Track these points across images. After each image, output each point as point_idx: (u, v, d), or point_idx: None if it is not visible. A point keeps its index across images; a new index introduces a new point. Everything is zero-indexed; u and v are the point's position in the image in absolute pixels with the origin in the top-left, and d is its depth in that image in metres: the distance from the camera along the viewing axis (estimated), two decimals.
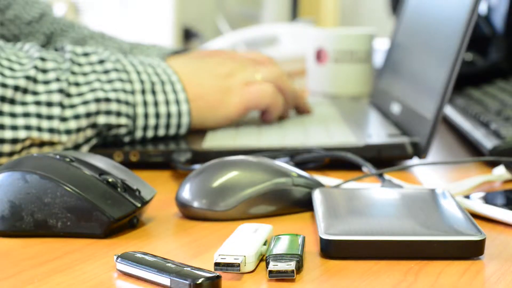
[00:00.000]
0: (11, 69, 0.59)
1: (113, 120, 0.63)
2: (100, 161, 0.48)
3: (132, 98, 0.64)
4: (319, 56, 1.04)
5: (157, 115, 0.66)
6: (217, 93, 0.69)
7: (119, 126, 0.64)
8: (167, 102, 0.67)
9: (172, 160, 0.62)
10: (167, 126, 0.67)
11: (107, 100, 0.62)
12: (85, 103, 0.61)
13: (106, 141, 0.66)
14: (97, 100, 0.61)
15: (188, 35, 1.68)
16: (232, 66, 0.72)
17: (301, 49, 1.27)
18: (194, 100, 0.68)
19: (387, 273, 0.39)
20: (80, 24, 1.09)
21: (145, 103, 0.65)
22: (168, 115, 0.67)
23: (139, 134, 0.66)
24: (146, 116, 0.66)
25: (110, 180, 0.46)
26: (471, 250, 0.41)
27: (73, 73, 0.62)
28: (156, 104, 0.66)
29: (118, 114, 0.63)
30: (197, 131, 0.72)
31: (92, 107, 0.61)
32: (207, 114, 0.69)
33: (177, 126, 0.68)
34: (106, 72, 0.64)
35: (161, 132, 0.67)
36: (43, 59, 0.61)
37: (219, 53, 0.88)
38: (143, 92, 0.65)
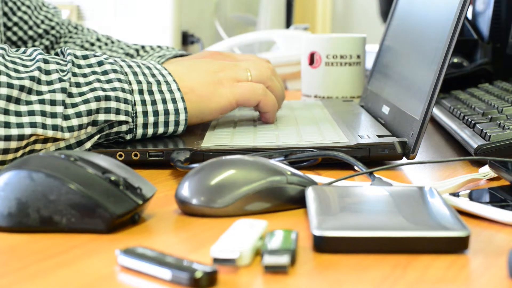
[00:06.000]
0: (16, 70, 0.60)
1: (112, 117, 0.64)
2: (103, 160, 0.49)
3: (130, 96, 0.66)
4: (312, 60, 1.06)
5: (156, 113, 0.68)
6: (208, 85, 0.71)
7: (120, 123, 0.66)
8: (164, 101, 0.68)
9: (171, 159, 0.63)
10: (166, 123, 0.69)
11: (107, 98, 0.64)
12: (86, 101, 0.62)
13: (109, 140, 0.67)
14: (97, 99, 0.63)
15: (187, 40, 1.69)
16: (221, 63, 0.74)
17: (296, 53, 1.28)
18: (186, 93, 0.70)
19: (377, 267, 0.40)
20: (86, 28, 1.10)
21: (143, 102, 0.67)
22: (166, 113, 0.68)
23: (139, 132, 0.67)
24: (145, 114, 0.67)
25: (112, 178, 0.47)
26: (457, 245, 0.42)
27: (74, 74, 0.64)
28: (154, 103, 0.68)
29: (117, 111, 0.64)
30: (195, 132, 0.73)
31: (93, 105, 0.62)
32: (200, 106, 0.70)
33: (175, 123, 0.69)
34: (104, 73, 0.65)
35: (161, 129, 0.69)
36: (45, 61, 0.63)
37: (215, 54, 0.91)
38: (141, 92, 0.67)
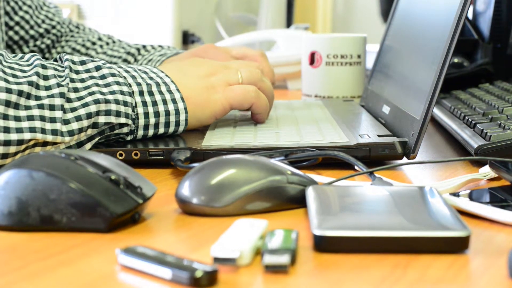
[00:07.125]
0: (14, 75, 0.60)
1: (113, 119, 0.64)
2: (103, 159, 0.49)
3: (130, 99, 0.66)
4: (313, 59, 1.06)
5: (157, 114, 0.68)
6: (203, 92, 0.71)
7: (120, 125, 0.66)
8: (164, 102, 0.69)
9: (172, 159, 0.63)
10: (167, 124, 0.69)
11: (106, 101, 0.64)
12: (85, 105, 0.62)
13: (109, 140, 0.67)
14: (96, 102, 0.63)
15: (187, 40, 1.70)
16: (213, 65, 0.74)
17: (296, 53, 1.29)
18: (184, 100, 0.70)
19: (377, 266, 0.40)
20: (87, 27, 1.11)
21: (144, 104, 0.67)
22: (167, 114, 0.68)
23: (140, 133, 0.68)
24: (146, 115, 0.67)
25: (113, 177, 0.47)
26: (457, 245, 0.42)
27: (72, 80, 0.64)
28: (154, 104, 0.68)
29: (118, 113, 0.65)
30: (196, 131, 0.73)
31: (92, 108, 0.62)
32: (196, 113, 0.71)
33: (176, 123, 0.69)
34: (103, 77, 0.66)
35: (161, 130, 0.69)
36: (43, 67, 0.63)
37: (209, 48, 0.91)
38: (141, 93, 0.67)
